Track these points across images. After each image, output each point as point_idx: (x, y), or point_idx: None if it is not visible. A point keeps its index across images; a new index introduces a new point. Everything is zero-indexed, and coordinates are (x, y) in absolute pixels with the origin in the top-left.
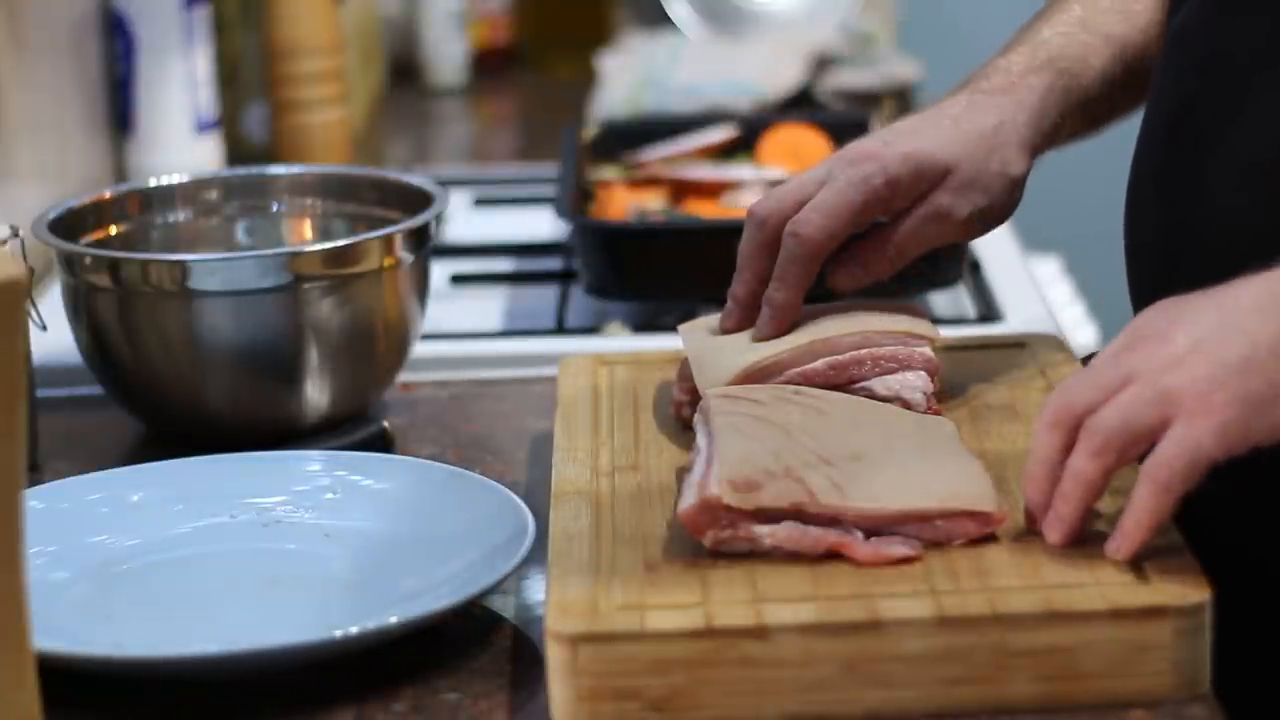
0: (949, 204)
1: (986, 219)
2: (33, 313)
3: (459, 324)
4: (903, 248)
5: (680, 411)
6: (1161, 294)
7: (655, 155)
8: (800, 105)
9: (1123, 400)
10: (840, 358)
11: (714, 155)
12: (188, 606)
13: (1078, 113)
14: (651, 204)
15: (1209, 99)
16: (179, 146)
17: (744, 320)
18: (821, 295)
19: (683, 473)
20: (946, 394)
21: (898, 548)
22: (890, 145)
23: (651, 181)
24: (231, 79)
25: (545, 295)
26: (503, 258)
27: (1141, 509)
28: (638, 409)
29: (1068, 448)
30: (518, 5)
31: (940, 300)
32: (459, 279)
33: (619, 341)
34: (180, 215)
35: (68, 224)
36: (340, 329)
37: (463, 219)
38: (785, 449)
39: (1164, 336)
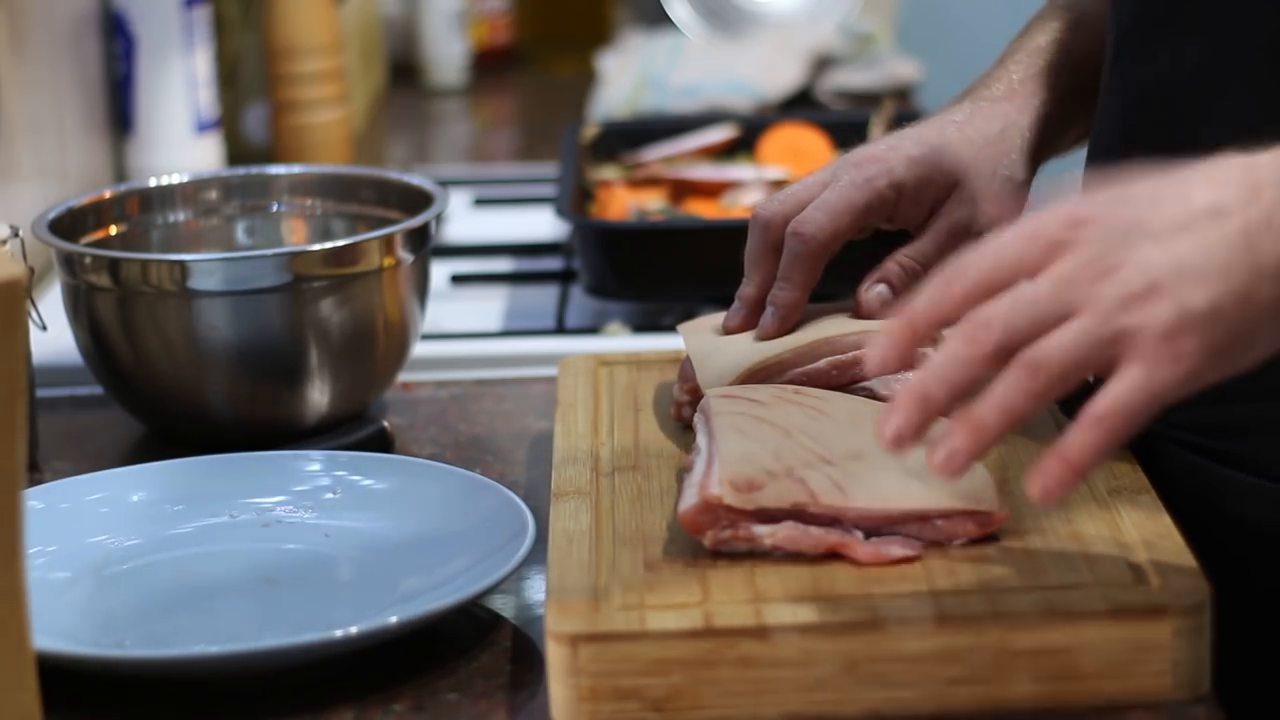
0: (966, 217)
1: (995, 225)
2: (33, 313)
3: (459, 324)
4: (928, 261)
5: (680, 412)
6: None
7: (655, 155)
8: (800, 105)
9: (1073, 335)
10: (842, 357)
11: (714, 155)
12: (188, 606)
13: (1079, 115)
14: (651, 204)
15: (1149, 129)
16: (179, 146)
17: (749, 320)
18: (824, 295)
19: (683, 473)
20: None
21: (898, 548)
22: (895, 149)
23: (651, 181)
24: (231, 79)
25: (545, 295)
26: (503, 258)
27: (1082, 450)
28: (638, 409)
29: (983, 364)
30: (518, 5)
31: None
32: (459, 279)
33: (619, 341)
34: (180, 215)
35: (68, 224)
36: (340, 329)
37: (463, 219)
38: (786, 449)
39: (1109, 268)
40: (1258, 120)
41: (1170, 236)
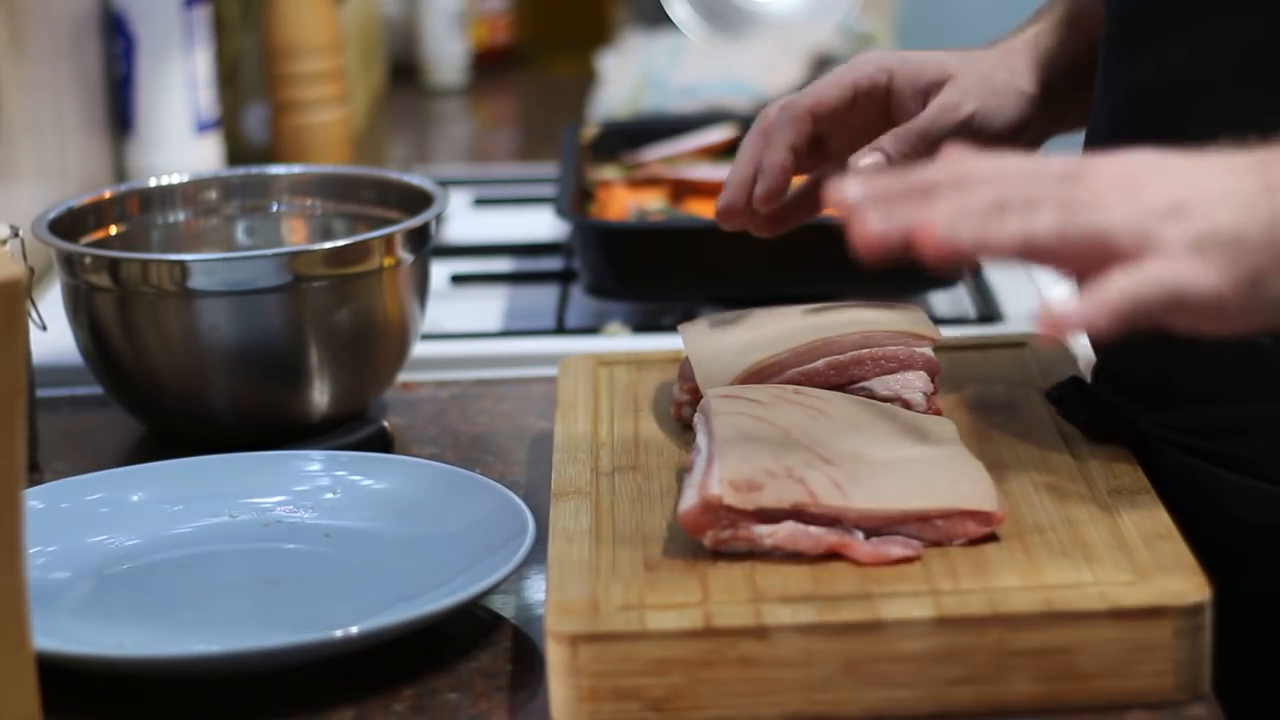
0: (956, 99)
1: (996, 126)
2: (33, 313)
3: (459, 324)
4: (923, 134)
5: (680, 412)
6: None
7: (655, 155)
8: None
9: (1108, 213)
10: (840, 358)
11: (714, 155)
12: (188, 606)
13: (1087, 55)
14: (651, 204)
15: (1140, 133)
16: (179, 146)
17: (735, 200)
18: (822, 295)
19: (683, 473)
20: (946, 394)
21: (898, 548)
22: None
23: (651, 181)
24: (231, 79)
25: (545, 295)
26: (503, 258)
27: (1112, 294)
28: (638, 409)
29: (998, 211)
30: (518, 5)
31: (940, 300)
32: (459, 279)
33: (619, 341)
34: (180, 215)
35: (68, 224)
36: (340, 329)
37: (463, 219)
38: (786, 449)
39: (1133, 186)
40: (1244, 122)
41: (1190, 175)
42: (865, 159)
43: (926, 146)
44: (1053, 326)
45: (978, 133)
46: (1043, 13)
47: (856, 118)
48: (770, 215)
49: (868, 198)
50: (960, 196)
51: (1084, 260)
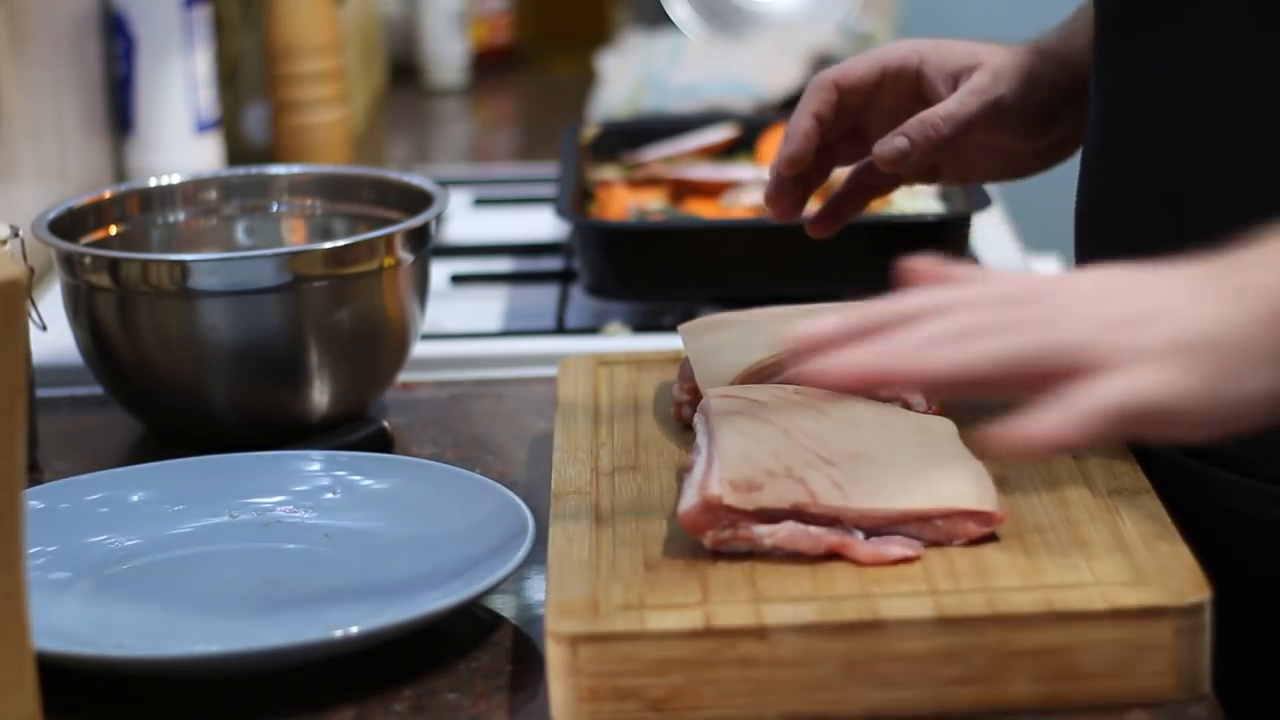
0: (986, 83)
1: (1024, 114)
2: (33, 313)
3: (459, 324)
4: (949, 118)
5: (680, 412)
6: None
7: (655, 155)
8: None
9: (1072, 331)
10: None
11: (714, 155)
12: (188, 606)
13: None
14: (651, 204)
15: (1124, 134)
16: (179, 146)
17: (771, 185)
18: (822, 295)
19: (683, 473)
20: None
21: (898, 548)
22: None
23: (651, 181)
24: (231, 79)
25: (545, 295)
26: (503, 258)
27: (1082, 406)
28: (638, 409)
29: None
30: (518, 5)
31: None
32: (459, 279)
33: (619, 341)
34: (180, 215)
35: (68, 224)
36: (340, 329)
37: (463, 219)
38: (786, 449)
39: (1104, 300)
40: (1225, 125)
41: (1158, 286)
42: (889, 144)
43: (954, 129)
44: (1021, 444)
45: (1005, 119)
46: (1081, 10)
47: (889, 100)
48: (821, 215)
49: (831, 339)
50: (923, 326)
51: (1052, 378)
